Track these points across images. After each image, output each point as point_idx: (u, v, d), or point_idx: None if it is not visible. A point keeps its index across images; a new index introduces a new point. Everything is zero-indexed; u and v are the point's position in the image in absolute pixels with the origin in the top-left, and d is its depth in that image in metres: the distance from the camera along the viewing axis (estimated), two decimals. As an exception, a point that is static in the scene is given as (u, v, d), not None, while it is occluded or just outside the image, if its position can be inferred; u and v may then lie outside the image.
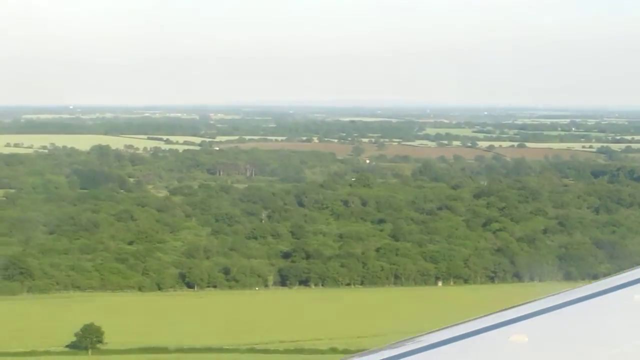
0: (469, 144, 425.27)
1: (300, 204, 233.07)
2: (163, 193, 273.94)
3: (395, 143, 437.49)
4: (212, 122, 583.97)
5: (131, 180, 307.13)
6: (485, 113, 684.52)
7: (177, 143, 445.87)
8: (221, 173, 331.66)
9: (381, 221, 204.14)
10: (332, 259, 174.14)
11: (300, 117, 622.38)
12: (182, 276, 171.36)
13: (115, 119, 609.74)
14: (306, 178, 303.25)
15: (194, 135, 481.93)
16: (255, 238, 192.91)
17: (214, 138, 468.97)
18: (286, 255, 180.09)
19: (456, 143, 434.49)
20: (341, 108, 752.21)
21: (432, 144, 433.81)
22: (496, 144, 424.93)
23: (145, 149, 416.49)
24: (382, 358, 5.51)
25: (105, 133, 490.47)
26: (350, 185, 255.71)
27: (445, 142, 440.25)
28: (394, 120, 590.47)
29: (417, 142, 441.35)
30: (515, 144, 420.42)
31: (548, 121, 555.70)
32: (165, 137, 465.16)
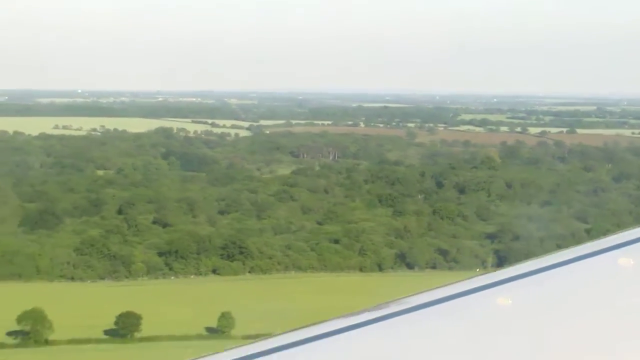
0: (519, 130, 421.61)
1: (440, 185, 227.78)
2: (268, 176, 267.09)
3: (442, 128, 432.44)
4: (234, 107, 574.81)
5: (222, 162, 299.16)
6: (495, 100, 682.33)
7: (224, 127, 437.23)
8: (305, 156, 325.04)
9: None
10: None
11: (317, 103, 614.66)
12: (401, 256, 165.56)
13: (133, 103, 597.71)
14: (390, 160, 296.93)
15: (235, 119, 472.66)
16: (442, 219, 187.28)
17: (257, 122, 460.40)
18: (491, 237, 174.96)
19: (503, 129, 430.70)
20: (347, 94, 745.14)
21: (480, 129, 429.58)
22: (536, 130, 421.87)
23: (196, 132, 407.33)
24: (365, 320, 5.39)
25: (145, 116, 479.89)
26: (476, 167, 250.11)
27: (493, 127, 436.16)
28: (429, 106, 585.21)
29: (463, 128, 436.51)
30: (564, 129, 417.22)
31: (572, 108, 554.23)
32: (210, 121, 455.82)
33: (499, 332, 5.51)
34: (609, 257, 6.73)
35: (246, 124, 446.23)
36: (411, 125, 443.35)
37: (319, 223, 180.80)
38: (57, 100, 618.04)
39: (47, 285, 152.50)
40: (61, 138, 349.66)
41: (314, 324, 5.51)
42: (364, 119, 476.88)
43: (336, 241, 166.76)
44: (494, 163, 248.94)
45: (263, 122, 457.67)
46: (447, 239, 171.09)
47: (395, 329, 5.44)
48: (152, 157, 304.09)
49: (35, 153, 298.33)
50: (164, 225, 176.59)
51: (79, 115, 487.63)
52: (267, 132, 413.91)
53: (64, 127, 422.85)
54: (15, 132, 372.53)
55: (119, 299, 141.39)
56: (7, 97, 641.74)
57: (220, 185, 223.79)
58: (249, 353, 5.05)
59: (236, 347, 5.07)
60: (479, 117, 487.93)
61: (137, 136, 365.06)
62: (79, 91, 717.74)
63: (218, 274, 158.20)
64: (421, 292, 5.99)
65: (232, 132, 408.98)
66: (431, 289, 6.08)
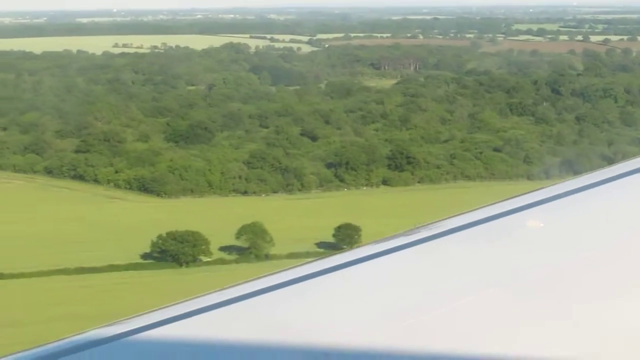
0: (580, 38, 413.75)
1: (557, 92, 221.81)
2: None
3: (501, 38, 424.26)
4: (280, 21, 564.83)
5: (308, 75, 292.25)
6: (531, 10, 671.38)
7: (284, 41, 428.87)
8: (386, 68, 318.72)
9: None
10: None
11: (357, 17, 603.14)
12: (567, 163, 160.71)
13: (176, 20, 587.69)
14: (478, 70, 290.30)
15: (291, 33, 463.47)
16: (589, 125, 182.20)
17: (314, 36, 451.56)
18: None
19: (563, 37, 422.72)
20: (383, 8, 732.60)
21: (540, 39, 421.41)
22: (597, 38, 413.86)
23: (257, 47, 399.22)
24: (395, 245, 5.47)
25: (200, 32, 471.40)
26: (580, 74, 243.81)
27: (552, 36, 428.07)
28: (476, 17, 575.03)
29: (522, 37, 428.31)
30: (625, 37, 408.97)
31: (618, 16, 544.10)
32: (268, 36, 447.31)
33: (531, 254, 5.33)
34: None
35: (305, 38, 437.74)
36: (470, 36, 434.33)
37: (469, 132, 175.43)
38: (97, 19, 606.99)
39: (223, 200, 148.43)
40: (138, 55, 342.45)
41: (350, 249, 5.58)
42: (418, 31, 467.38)
43: (497, 149, 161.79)
44: (600, 70, 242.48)
45: (320, 36, 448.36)
46: (605, 146, 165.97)
47: (429, 253, 5.34)
48: (238, 72, 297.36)
49: (122, 70, 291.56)
50: (313, 138, 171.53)
51: (130, 34, 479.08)
52: (327, 45, 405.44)
53: (124, 45, 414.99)
54: (79, 51, 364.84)
55: (308, 211, 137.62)
56: (46, 18, 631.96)
57: (338, 98, 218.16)
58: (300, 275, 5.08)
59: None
60: (533, 26, 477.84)
61: (206, 52, 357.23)
62: (115, 10, 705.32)
63: (388, 184, 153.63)
64: (451, 217, 5.95)
65: (294, 46, 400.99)
66: (460, 214, 6.02)
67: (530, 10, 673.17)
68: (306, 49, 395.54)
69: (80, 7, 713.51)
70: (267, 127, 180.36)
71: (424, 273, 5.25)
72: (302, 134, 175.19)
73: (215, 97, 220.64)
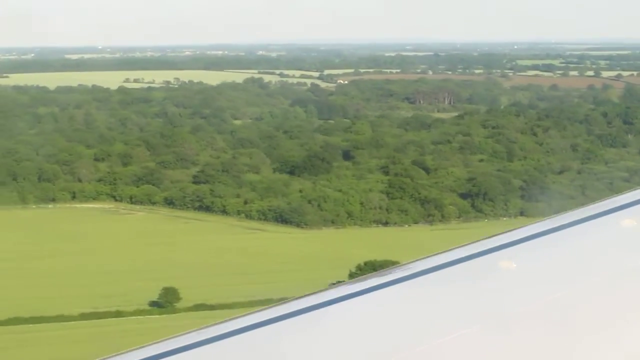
0: (591, 74, 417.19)
1: (629, 123, 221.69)
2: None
3: (510, 73, 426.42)
4: (274, 56, 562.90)
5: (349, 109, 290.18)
6: (516, 47, 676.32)
7: (294, 77, 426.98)
8: (421, 102, 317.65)
9: None
10: None
11: (348, 54, 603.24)
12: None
13: (168, 57, 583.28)
14: (520, 103, 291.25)
15: (298, 69, 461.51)
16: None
17: (322, 71, 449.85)
18: None
19: (573, 73, 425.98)
20: (368, 44, 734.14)
21: (550, 74, 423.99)
22: (607, 73, 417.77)
23: (270, 82, 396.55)
24: (370, 286, 5.51)
25: (205, 68, 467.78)
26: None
27: (561, 72, 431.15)
28: (473, 53, 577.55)
29: (531, 73, 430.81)
30: (634, 72, 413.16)
31: (614, 53, 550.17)
32: (277, 71, 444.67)
33: (503, 295, 5.38)
34: (612, 219, 6.51)
35: (315, 74, 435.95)
36: (478, 72, 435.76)
37: (583, 163, 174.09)
38: (86, 55, 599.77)
39: (366, 231, 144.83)
40: (171, 89, 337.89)
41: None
42: (423, 66, 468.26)
43: (626, 180, 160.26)
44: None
45: (327, 72, 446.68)
46: None
47: (398, 294, 5.35)
48: (278, 106, 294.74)
49: (163, 104, 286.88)
50: (426, 170, 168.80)
51: (132, 69, 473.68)
52: (340, 80, 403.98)
53: (135, 81, 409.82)
54: (94, 86, 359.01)
55: (456, 242, 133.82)
56: (33, 54, 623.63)
57: (415, 129, 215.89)
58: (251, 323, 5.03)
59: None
60: (537, 62, 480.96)
61: (231, 86, 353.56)
62: (100, 47, 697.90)
63: (525, 215, 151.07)
64: (424, 258, 5.98)
65: (308, 81, 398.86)
66: (433, 254, 5.99)
67: (515, 47, 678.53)
68: (320, 83, 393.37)
69: (65, 44, 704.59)
70: (378, 158, 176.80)
71: (400, 313, 5.18)
72: (413, 164, 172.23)
73: (274, 130, 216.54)
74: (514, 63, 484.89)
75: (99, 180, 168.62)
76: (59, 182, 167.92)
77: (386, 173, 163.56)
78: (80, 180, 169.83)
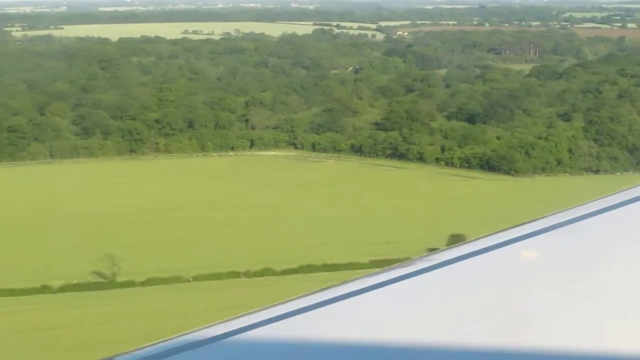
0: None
1: None
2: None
3: (568, 25, 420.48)
4: (312, 8, 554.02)
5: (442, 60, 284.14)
6: (545, 0, 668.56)
7: (352, 29, 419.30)
8: (507, 52, 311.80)
9: None
10: None
11: (387, 6, 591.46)
12: None
13: (211, 9, 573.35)
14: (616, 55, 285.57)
15: (351, 21, 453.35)
16: None
17: (377, 23, 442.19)
18: None
19: (631, 26, 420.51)
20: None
21: (608, 26, 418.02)
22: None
23: (341, 34, 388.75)
24: (390, 277, 5.40)
25: (258, 20, 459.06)
26: None
27: (619, 24, 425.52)
28: (516, 5, 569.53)
29: (587, 25, 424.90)
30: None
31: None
32: (334, 23, 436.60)
33: (525, 287, 5.41)
34: (634, 207, 6.48)
35: (372, 25, 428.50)
36: (535, 23, 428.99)
37: None
38: (119, 9, 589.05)
39: (577, 179, 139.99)
40: (254, 39, 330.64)
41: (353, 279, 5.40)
42: (478, 18, 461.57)
43: None
44: None
45: (382, 24, 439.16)
46: None
47: (422, 286, 5.39)
48: (370, 56, 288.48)
49: (256, 55, 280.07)
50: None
51: (177, 21, 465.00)
52: (399, 32, 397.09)
53: (194, 32, 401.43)
54: (157, 37, 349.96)
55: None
56: (65, 7, 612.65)
57: (544, 79, 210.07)
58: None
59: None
60: (591, 14, 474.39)
61: (300, 38, 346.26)
62: (128, 0, 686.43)
63: None
64: (446, 249, 5.86)
65: (368, 33, 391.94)
66: (455, 246, 5.91)
67: (545, 0, 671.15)
68: (380, 35, 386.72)
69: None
70: (547, 106, 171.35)
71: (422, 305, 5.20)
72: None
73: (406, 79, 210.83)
74: (567, 15, 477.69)
75: (275, 128, 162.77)
76: (233, 130, 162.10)
77: (566, 120, 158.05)
78: (253, 128, 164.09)
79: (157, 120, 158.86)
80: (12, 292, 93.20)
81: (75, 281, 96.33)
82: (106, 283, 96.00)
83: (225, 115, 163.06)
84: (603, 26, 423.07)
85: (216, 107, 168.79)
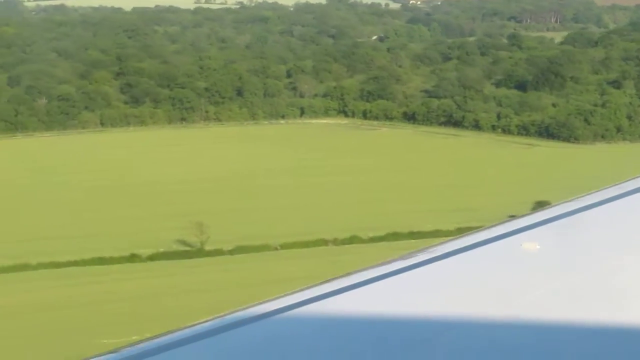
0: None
1: None
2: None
3: None
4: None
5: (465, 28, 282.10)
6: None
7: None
8: (529, 21, 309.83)
9: None
10: None
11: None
12: None
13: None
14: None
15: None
16: None
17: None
18: None
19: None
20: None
21: None
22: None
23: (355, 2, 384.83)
24: (392, 269, 5.66)
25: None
26: None
27: None
28: None
29: None
30: None
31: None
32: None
33: (526, 277, 5.48)
34: (634, 200, 6.51)
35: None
36: None
37: None
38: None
39: (636, 146, 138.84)
40: (272, 8, 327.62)
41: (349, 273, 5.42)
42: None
43: None
44: None
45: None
46: None
47: (424, 277, 5.52)
48: (392, 24, 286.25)
49: (278, 23, 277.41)
50: None
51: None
52: (413, 1, 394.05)
53: (207, 1, 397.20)
54: (172, 6, 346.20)
55: None
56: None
57: (581, 47, 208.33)
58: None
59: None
60: None
61: (319, 7, 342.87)
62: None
63: None
64: (447, 241, 5.98)
65: (381, 1, 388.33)
66: (456, 237, 6.03)
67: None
68: (395, 5, 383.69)
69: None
70: (594, 74, 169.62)
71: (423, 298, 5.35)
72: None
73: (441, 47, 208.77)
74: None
75: (324, 96, 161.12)
76: (282, 98, 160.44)
77: (617, 87, 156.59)
78: (301, 96, 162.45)
79: (206, 89, 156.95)
80: (101, 261, 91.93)
81: (162, 250, 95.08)
82: (195, 251, 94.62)
83: (274, 83, 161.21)
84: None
85: (261, 75, 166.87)
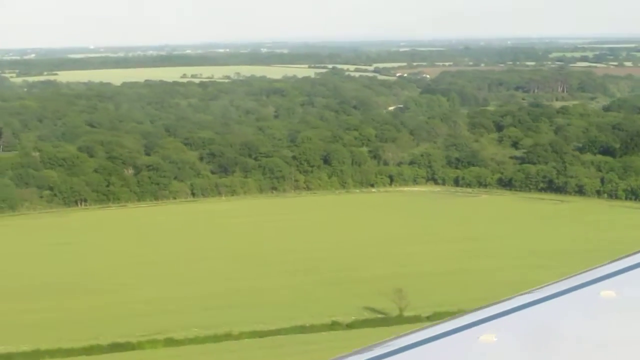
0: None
1: None
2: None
3: (562, 63, 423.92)
4: (285, 52, 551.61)
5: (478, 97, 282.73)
6: (509, 42, 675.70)
7: (349, 70, 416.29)
8: (535, 91, 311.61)
9: None
10: None
11: (365, 50, 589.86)
12: None
13: (185, 55, 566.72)
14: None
15: (345, 63, 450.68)
16: None
17: (371, 65, 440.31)
18: None
19: (628, 64, 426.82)
20: (368, 42, 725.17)
21: (603, 65, 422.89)
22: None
23: (351, 76, 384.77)
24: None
25: (251, 63, 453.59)
26: None
27: (615, 63, 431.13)
28: (496, 46, 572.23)
29: (582, 64, 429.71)
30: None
31: (626, 45, 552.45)
32: (330, 66, 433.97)
33: None
34: (591, 290, 6.77)
35: (369, 67, 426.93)
36: (530, 63, 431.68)
37: None
38: (90, 55, 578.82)
39: None
40: (285, 81, 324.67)
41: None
42: (466, 58, 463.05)
43: None
44: None
45: (379, 65, 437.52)
46: None
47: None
48: (402, 96, 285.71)
49: (295, 95, 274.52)
50: None
51: (165, 66, 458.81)
52: (398, 74, 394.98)
53: (193, 76, 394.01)
54: (162, 81, 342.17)
55: None
56: (34, 55, 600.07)
57: (628, 113, 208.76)
58: None
59: None
60: (577, 54, 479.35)
61: (310, 81, 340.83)
62: (92, 47, 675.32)
63: None
64: (406, 334, 5.92)
65: (368, 74, 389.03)
66: (415, 331, 5.96)
67: (508, 42, 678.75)
68: (379, 76, 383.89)
69: (57, 45, 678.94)
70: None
71: None
72: None
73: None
74: (556, 55, 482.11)
75: (411, 163, 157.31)
76: (369, 166, 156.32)
77: None
78: (386, 164, 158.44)
79: (294, 157, 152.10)
80: (302, 329, 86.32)
81: (354, 317, 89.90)
82: (394, 318, 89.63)
83: (360, 151, 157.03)
84: (598, 65, 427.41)
85: (336, 143, 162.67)
